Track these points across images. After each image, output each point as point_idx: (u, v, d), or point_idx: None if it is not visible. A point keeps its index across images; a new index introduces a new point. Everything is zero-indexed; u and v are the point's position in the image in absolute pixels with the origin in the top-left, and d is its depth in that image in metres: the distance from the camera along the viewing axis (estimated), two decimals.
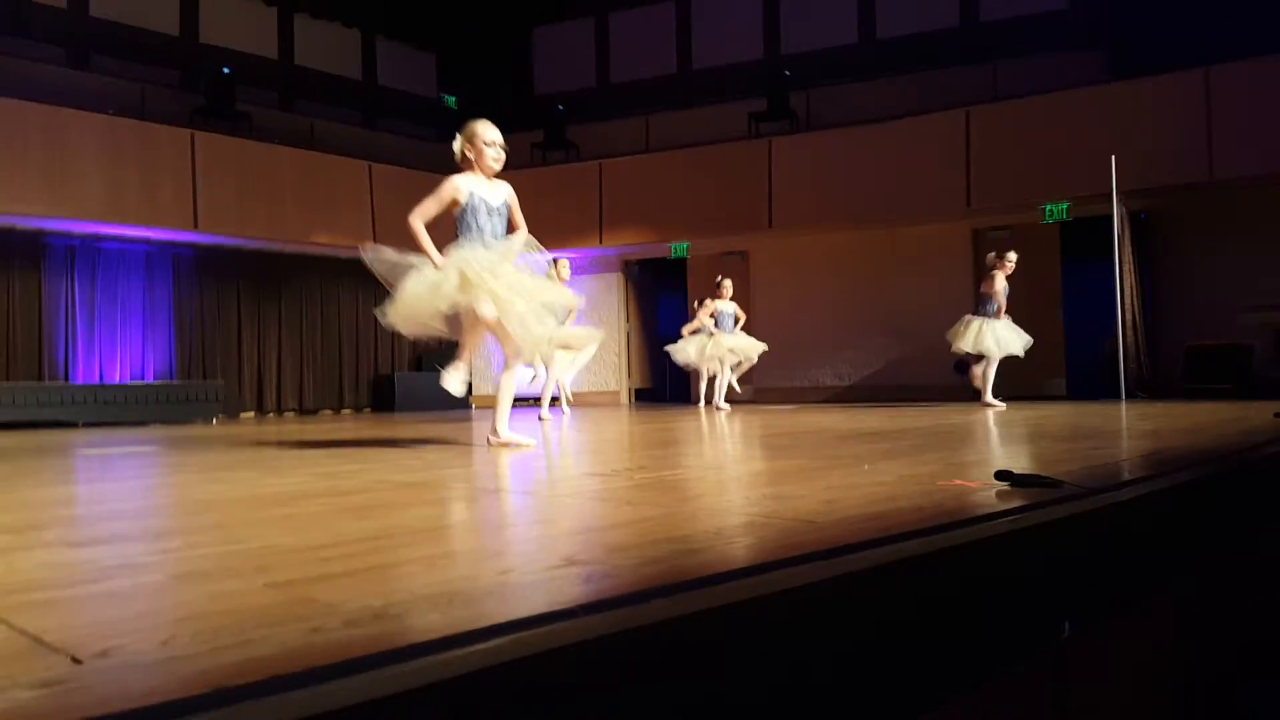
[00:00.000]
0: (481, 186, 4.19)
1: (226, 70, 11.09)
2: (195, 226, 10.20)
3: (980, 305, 8.07)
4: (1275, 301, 9.33)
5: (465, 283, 3.81)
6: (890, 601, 1.35)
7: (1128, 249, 9.48)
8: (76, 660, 0.90)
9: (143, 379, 10.37)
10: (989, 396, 7.90)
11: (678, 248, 11.78)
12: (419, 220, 4.00)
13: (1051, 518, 1.74)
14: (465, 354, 4.22)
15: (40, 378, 9.58)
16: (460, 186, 4.17)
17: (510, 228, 4.25)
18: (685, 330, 9.07)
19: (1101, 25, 10.54)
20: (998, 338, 7.94)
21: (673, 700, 1.06)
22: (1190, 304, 10.02)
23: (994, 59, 11.18)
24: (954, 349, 8.09)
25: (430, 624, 1.00)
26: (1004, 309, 8.04)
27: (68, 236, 9.89)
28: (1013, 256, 7.97)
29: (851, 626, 1.29)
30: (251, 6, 12.34)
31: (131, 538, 1.84)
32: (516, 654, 0.93)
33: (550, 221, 12.52)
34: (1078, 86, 9.88)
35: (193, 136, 10.21)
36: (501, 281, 3.86)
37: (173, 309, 10.84)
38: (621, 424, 6.53)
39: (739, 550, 1.38)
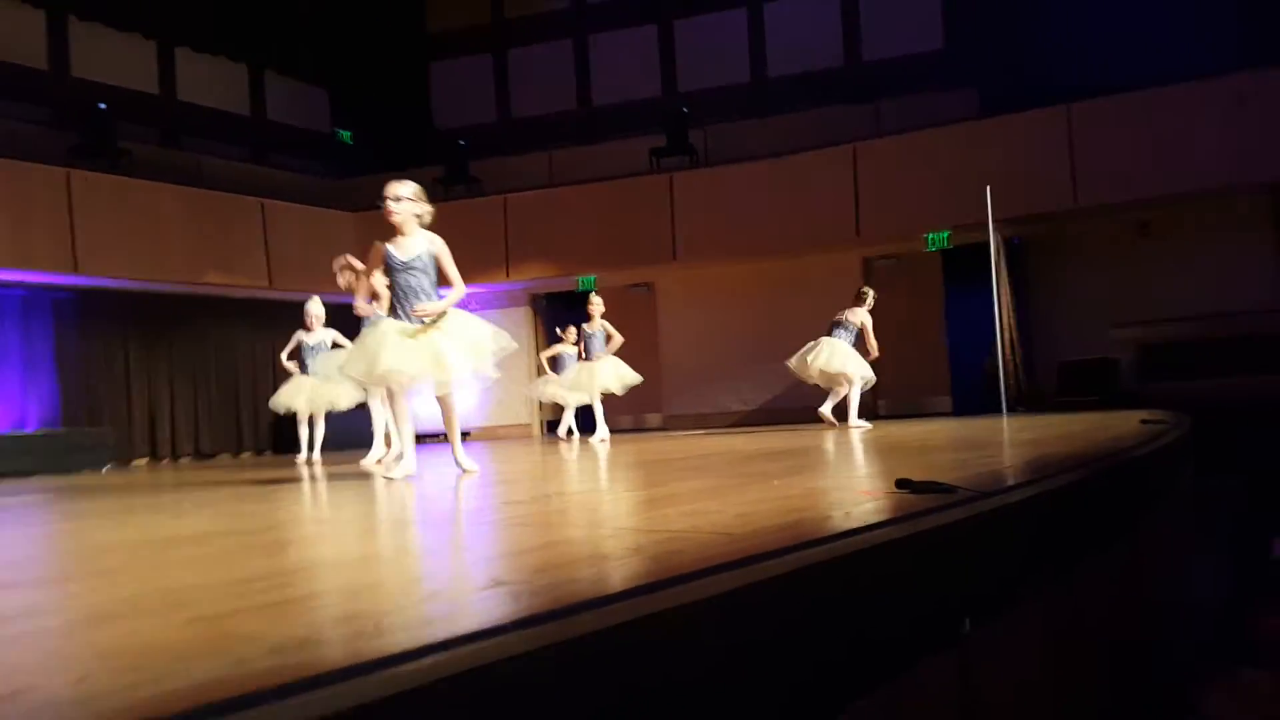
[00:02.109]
0: (397, 244, 4.32)
1: (103, 105, 10.64)
2: (75, 269, 9.72)
3: (833, 329, 8.55)
4: (1139, 319, 10.04)
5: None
6: (803, 605, 1.42)
7: (1004, 273, 10.04)
8: None
9: (22, 429, 9.78)
10: (854, 418, 8.20)
11: (585, 280, 11.85)
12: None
13: (949, 520, 1.84)
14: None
15: None
16: (380, 247, 4.40)
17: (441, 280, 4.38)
18: (542, 356, 9.24)
19: (974, 64, 11.20)
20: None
21: (602, 706, 1.08)
22: (1062, 322, 10.71)
23: (877, 97, 11.75)
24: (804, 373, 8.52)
25: (360, 649, 1.01)
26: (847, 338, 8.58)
27: None
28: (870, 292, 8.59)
29: (767, 630, 1.34)
30: (128, 40, 11.91)
31: (32, 583, 1.77)
32: (450, 670, 0.95)
33: (456, 256, 12.42)
34: (954, 122, 10.47)
35: (69, 175, 9.75)
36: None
37: (55, 354, 10.26)
38: (533, 455, 6.51)
39: (660, 564, 1.42)
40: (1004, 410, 9.08)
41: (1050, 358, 10.66)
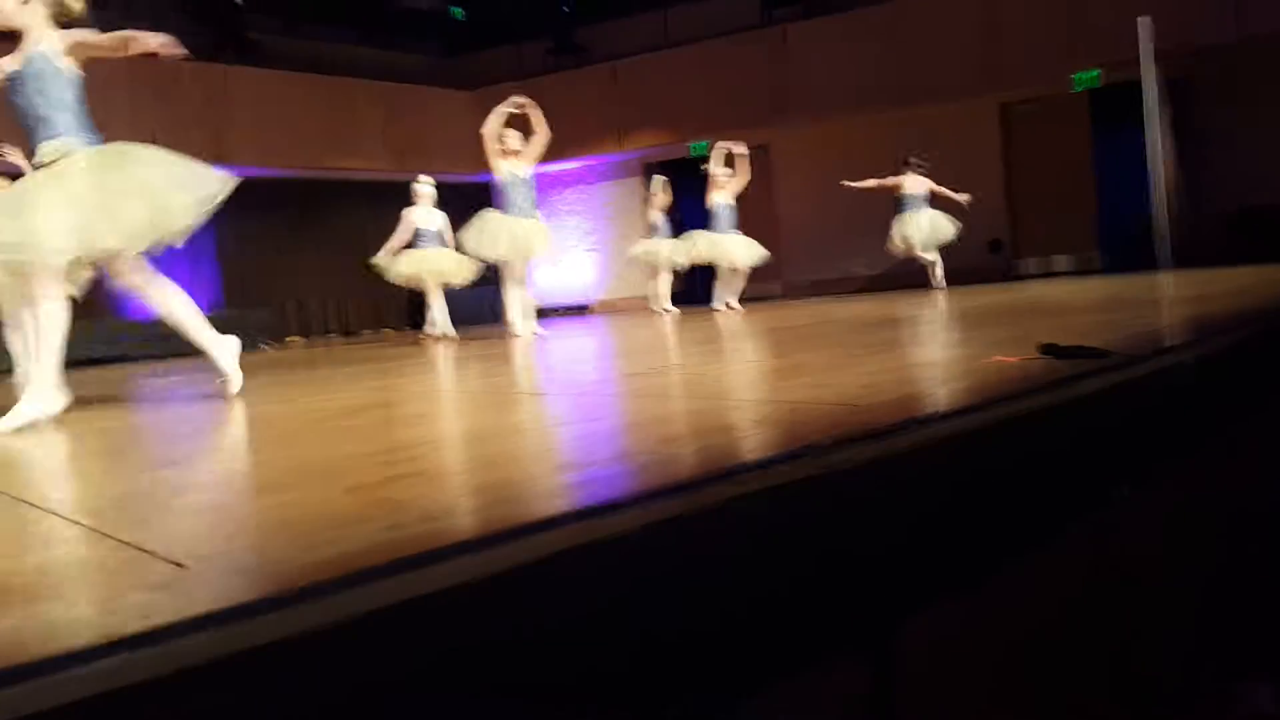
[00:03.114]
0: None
1: (238, 1, 10.90)
2: (220, 159, 10.19)
3: (905, 207, 8.71)
4: None
5: None
6: (943, 477, 1.40)
7: (1163, 115, 9.15)
8: (181, 565, 0.97)
9: None
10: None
11: (696, 147, 11.57)
12: None
13: (1101, 386, 1.74)
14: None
15: (91, 316, 9.82)
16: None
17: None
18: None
19: None
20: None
21: (732, 577, 1.12)
22: (1231, 168, 9.66)
23: None
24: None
25: (500, 515, 1.07)
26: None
27: None
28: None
29: (906, 504, 1.34)
30: None
31: (209, 456, 1.95)
32: (584, 539, 1.00)
33: (568, 129, 12.34)
34: None
35: (208, 69, 10.12)
36: None
37: (215, 242, 11.00)
38: (655, 326, 6.58)
39: (782, 434, 1.44)
40: (1163, 266, 8.47)
41: (1219, 208, 9.66)
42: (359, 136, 11.29)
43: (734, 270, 8.70)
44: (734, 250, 8.62)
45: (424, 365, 4.41)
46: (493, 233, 6.24)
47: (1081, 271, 10.38)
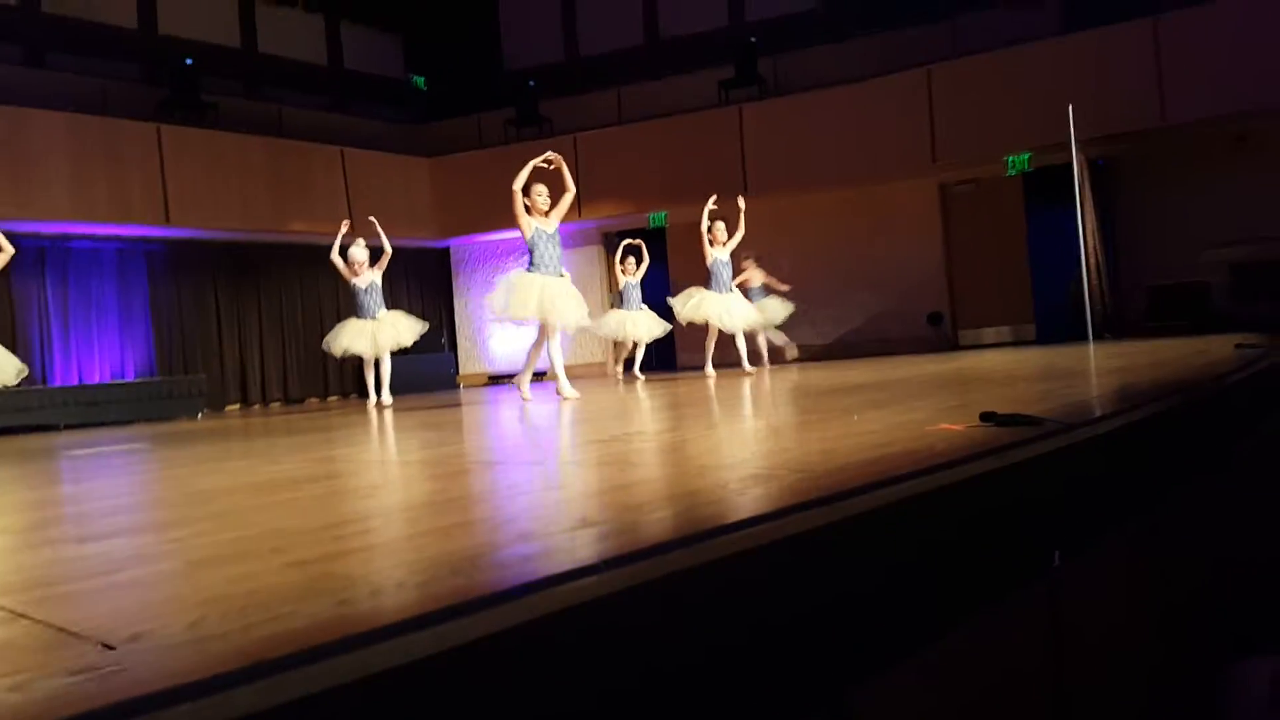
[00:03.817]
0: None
1: (189, 61, 10.89)
2: (166, 221, 10.08)
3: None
4: (1230, 239, 9.53)
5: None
6: (890, 541, 1.40)
7: (1088, 195, 9.61)
8: (108, 646, 0.92)
9: (123, 378, 10.28)
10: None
11: (655, 217, 11.77)
12: None
13: (1036, 453, 1.80)
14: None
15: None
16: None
17: None
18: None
19: None
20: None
21: (692, 643, 1.10)
22: (1150, 245, 10.23)
23: (952, 15, 11.21)
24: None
25: (455, 588, 1.04)
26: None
27: (36, 238, 9.74)
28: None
29: (855, 566, 1.34)
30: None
31: (138, 530, 1.87)
32: (545, 610, 0.97)
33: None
34: (1033, 40, 9.95)
35: (159, 130, 10.05)
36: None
37: (149, 305, 10.72)
38: (612, 393, 6.57)
39: (746, 501, 1.43)
40: (1090, 337, 8.78)
41: (1138, 282, 10.25)
42: (313, 200, 11.26)
43: (745, 332, 8.45)
44: (745, 312, 8.40)
45: (370, 434, 4.33)
46: (523, 293, 5.98)
47: (1017, 342, 10.71)
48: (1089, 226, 9.48)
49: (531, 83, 12.77)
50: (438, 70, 13.96)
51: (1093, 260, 9.52)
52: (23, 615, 1.09)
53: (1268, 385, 3.88)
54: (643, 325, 8.81)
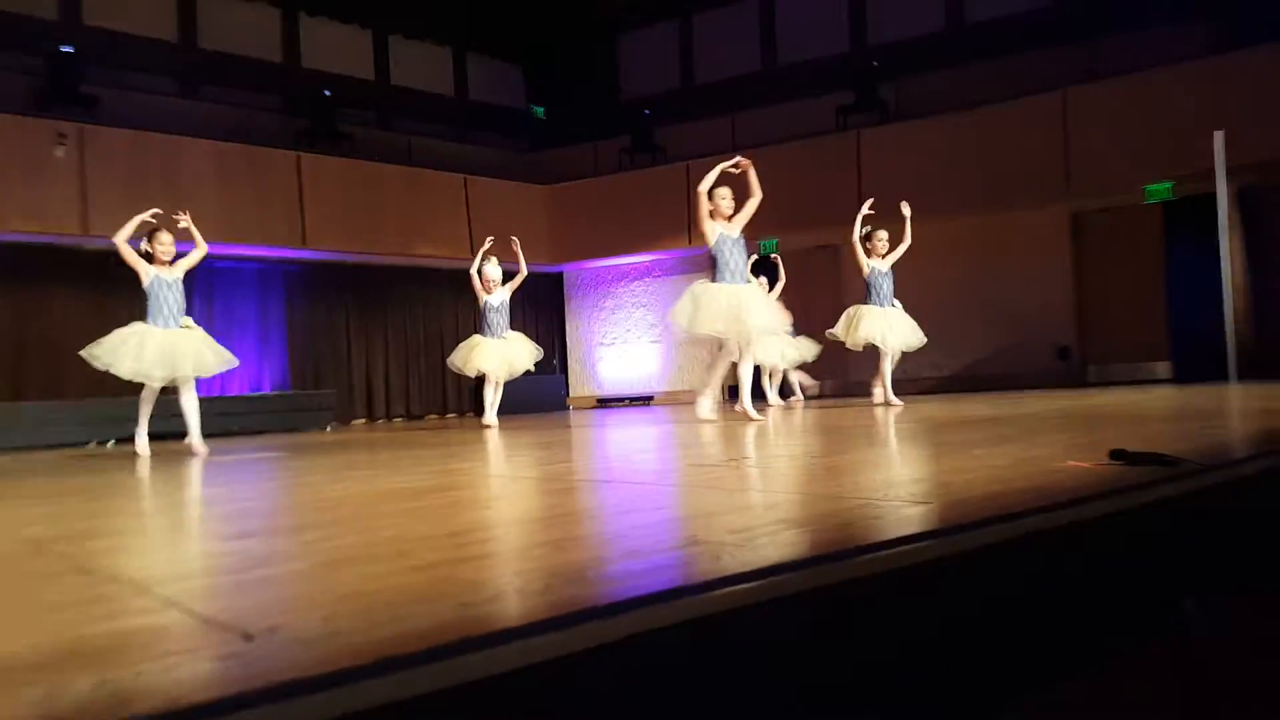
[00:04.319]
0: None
1: (327, 93, 11.58)
2: (303, 244, 10.67)
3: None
4: None
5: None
6: (1011, 577, 1.36)
7: (1236, 226, 9.04)
8: (248, 636, 0.98)
9: (260, 390, 10.90)
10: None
11: (766, 244, 11.74)
12: None
13: (1169, 494, 1.71)
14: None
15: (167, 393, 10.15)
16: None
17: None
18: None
19: None
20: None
21: (788, 674, 1.09)
22: None
23: (1090, 37, 10.77)
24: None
25: (570, 597, 1.07)
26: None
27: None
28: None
29: (965, 604, 1.30)
30: (349, 30, 12.85)
31: (277, 531, 1.98)
32: (649, 625, 0.98)
33: (640, 224, 12.71)
34: (1176, 61, 9.45)
35: (299, 158, 10.69)
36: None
37: (285, 323, 11.36)
38: (718, 419, 6.54)
39: (852, 532, 1.41)
40: (1232, 378, 8.23)
41: None
42: (437, 225, 11.72)
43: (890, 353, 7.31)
44: (906, 331, 7.34)
45: (488, 449, 4.45)
46: (709, 304, 5.57)
47: (1150, 380, 10.13)
48: (1235, 260, 8.92)
49: (647, 111, 12.97)
50: (557, 99, 14.35)
51: (1238, 296, 8.94)
52: (173, 604, 1.17)
53: None
54: (775, 347, 8.27)
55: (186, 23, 11.34)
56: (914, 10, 12.27)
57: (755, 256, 9.10)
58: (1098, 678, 1.47)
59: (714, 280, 5.68)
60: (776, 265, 8.87)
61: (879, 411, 6.08)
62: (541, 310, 13.54)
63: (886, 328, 7.16)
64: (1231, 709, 1.71)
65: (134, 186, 9.14)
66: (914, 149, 10.74)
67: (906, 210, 7.47)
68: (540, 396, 11.48)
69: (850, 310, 7.42)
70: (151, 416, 5.59)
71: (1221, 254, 8.67)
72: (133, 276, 5.48)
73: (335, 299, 11.79)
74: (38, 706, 0.78)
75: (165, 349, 5.24)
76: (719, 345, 5.98)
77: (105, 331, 5.35)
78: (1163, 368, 10.48)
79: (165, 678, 0.84)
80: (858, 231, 7.37)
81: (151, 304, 5.35)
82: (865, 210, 7.33)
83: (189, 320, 5.60)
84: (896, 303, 7.41)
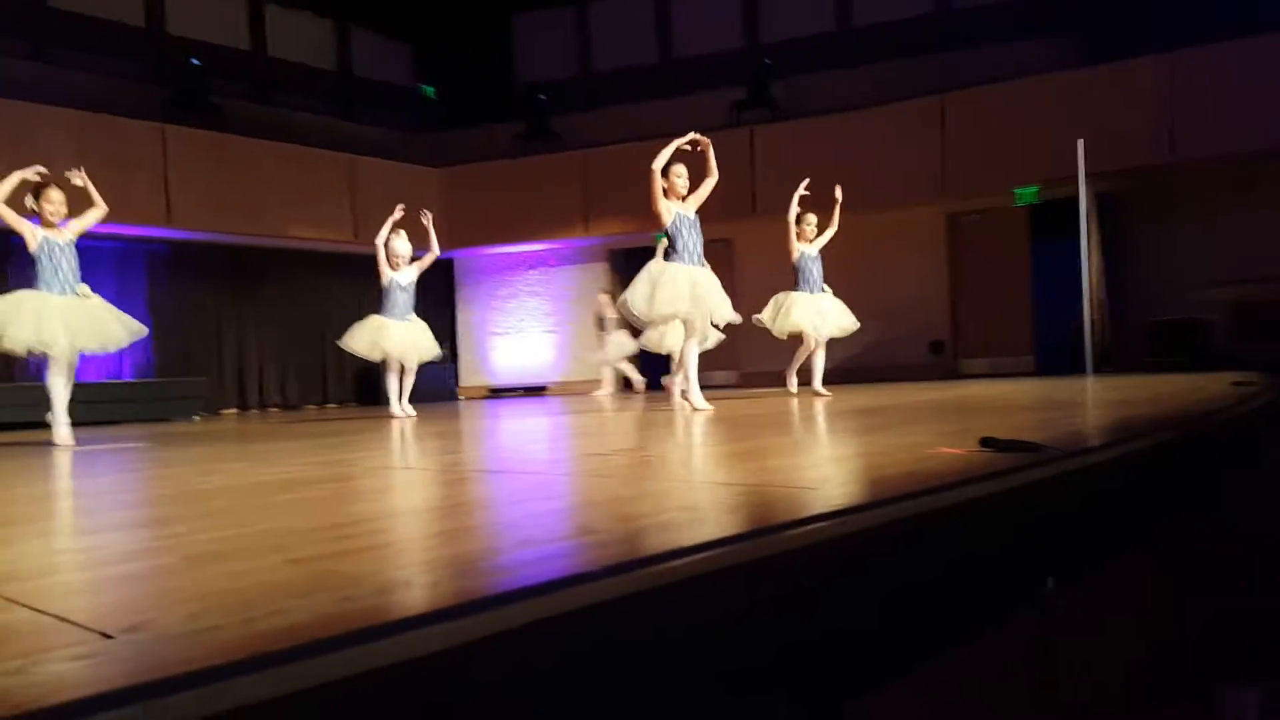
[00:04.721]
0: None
1: (196, 62, 10.96)
2: (169, 222, 10.11)
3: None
4: (1235, 277, 9.59)
5: None
6: (886, 560, 1.41)
7: (1094, 229, 9.68)
8: (107, 635, 0.92)
9: (119, 378, 10.28)
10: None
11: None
12: None
13: (1034, 479, 1.81)
14: None
15: (12, 379, 9.46)
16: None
17: None
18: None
19: (1070, 11, 10.68)
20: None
21: (686, 657, 1.10)
22: (1153, 282, 10.29)
23: (968, 45, 11.29)
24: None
25: (462, 588, 1.04)
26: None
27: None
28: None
29: (851, 585, 1.34)
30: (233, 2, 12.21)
31: (138, 525, 1.87)
32: (541, 614, 0.97)
33: (536, 212, 12.57)
34: (1048, 72, 10.03)
35: (164, 130, 10.10)
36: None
37: (148, 306, 10.72)
38: (611, 408, 6.57)
39: (741, 517, 1.43)
40: (1089, 370, 8.80)
41: (1140, 318, 10.31)
42: (319, 206, 11.30)
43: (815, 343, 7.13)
44: (839, 316, 7.18)
45: (372, 438, 4.33)
46: (672, 286, 5.33)
47: (1016, 373, 10.74)
48: (1093, 259, 9.53)
49: (543, 96, 12.86)
50: (448, 80, 14.05)
51: (1095, 294, 9.56)
52: (21, 603, 1.09)
53: (1260, 423, 3.90)
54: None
55: None
56: (804, 10, 12.58)
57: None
58: (973, 652, 1.53)
59: (669, 260, 5.52)
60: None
61: (792, 401, 6.09)
62: (431, 296, 13.25)
63: (817, 314, 7.05)
64: (1082, 666, 1.83)
65: None
66: (804, 146, 11.02)
67: (839, 194, 7.41)
68: (428, 387, 11.21)
69: (779, 297, 7.24)
70: None
71: (1081, 255, 9.24)
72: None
73: (204, 281, 11.22)
74: None
75: (68, 316, 4.69)
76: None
77: None
78: (1026, 362, 11.13)
79: (9, 681, 0.78)
80: (792, 213, 7.25)
81: (42, 269, 4.77)
82: (801, 191, 7.22)
83: (86, 288, 4.99)
84: (827, 288, 7.32)
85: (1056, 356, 10.31)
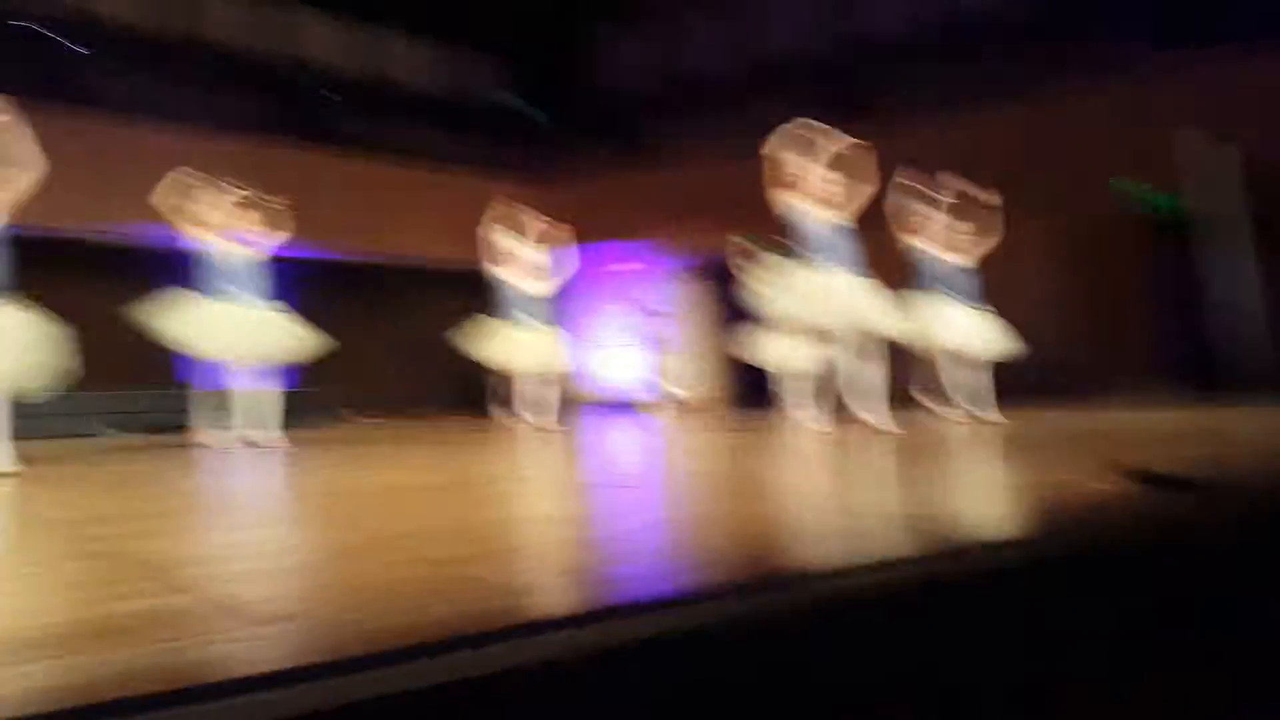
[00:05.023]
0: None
1: (327, 94, 11.69)
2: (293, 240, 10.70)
3: None
4: None
5: None
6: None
7: (1242, 245, 9.02)
8: (273, 620, 1.01)
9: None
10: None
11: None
12: None
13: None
14: None
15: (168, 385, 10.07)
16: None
17: None
18: None
19: None
20: None
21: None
22: None
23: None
24: None
25: (584, 598, 1.09)
26: None
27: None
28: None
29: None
30: (341, 24, 12.88)
31: (293, 521, 2.01)
32: (678, 628, 1.00)
33: (638, 226, 12.61)
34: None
35: (293, 153, 10.76)
36: None
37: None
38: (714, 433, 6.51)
39: (886, 544, 1.42)
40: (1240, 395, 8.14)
41: None
42: (430, 224, 11.85)
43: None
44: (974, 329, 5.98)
45: (495, 446, 4.46)
46: (805, 291, 4.72)
47: (1150, 398, 10.10)
48: (1243, 275, 8.87)
49: (639, 115, 12.87)
50: (548, 98, 14.29)
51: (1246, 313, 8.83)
52: (186, 590, 1.20)
53: None
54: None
55: None
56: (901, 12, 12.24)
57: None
58: None
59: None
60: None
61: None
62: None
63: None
64: None
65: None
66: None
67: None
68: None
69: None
70: None
71: (1227, 271, 8.65)
72: None
73: (337, 296, 11.75)
74: (57, 679, 0.80)
75: (249, 328, 4.92)
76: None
77: None
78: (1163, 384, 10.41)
79: (176, 659, 0.86)
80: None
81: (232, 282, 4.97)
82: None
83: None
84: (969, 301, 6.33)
85: (1195, 379, 9.63)
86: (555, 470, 3.13)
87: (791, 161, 4.87)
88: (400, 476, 2.91)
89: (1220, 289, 8.89)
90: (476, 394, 9.08)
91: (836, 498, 2.08)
